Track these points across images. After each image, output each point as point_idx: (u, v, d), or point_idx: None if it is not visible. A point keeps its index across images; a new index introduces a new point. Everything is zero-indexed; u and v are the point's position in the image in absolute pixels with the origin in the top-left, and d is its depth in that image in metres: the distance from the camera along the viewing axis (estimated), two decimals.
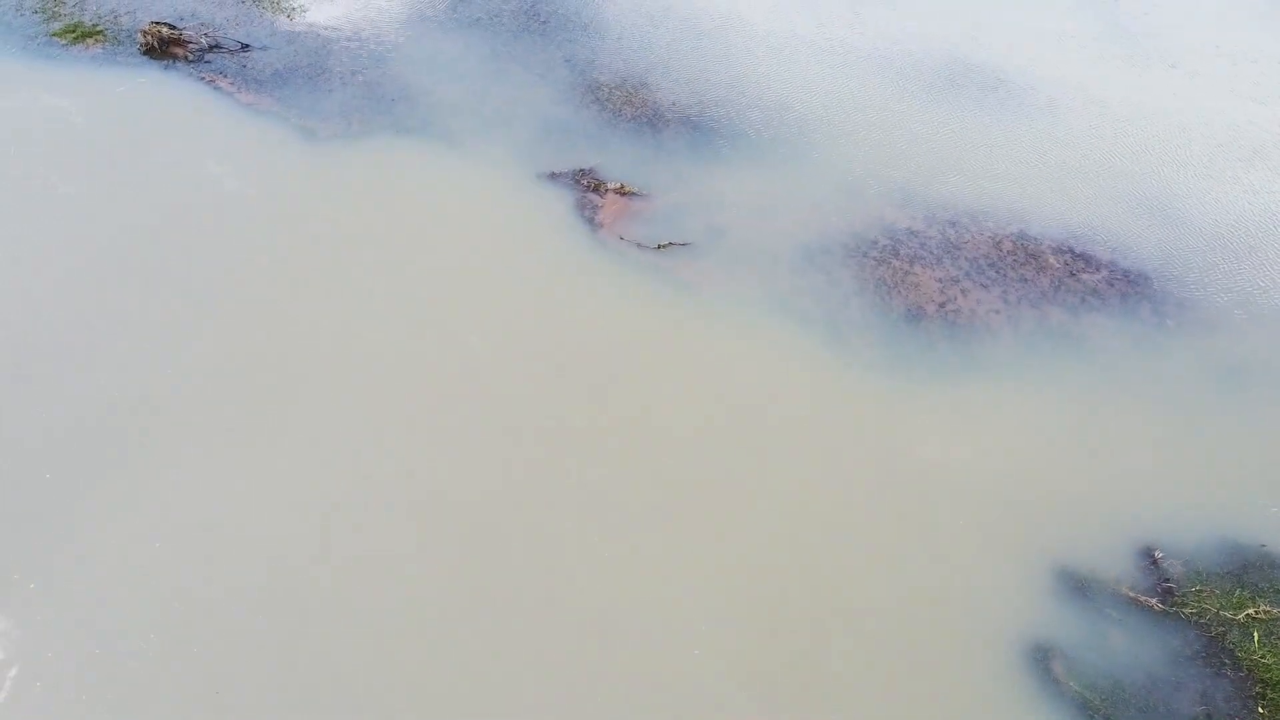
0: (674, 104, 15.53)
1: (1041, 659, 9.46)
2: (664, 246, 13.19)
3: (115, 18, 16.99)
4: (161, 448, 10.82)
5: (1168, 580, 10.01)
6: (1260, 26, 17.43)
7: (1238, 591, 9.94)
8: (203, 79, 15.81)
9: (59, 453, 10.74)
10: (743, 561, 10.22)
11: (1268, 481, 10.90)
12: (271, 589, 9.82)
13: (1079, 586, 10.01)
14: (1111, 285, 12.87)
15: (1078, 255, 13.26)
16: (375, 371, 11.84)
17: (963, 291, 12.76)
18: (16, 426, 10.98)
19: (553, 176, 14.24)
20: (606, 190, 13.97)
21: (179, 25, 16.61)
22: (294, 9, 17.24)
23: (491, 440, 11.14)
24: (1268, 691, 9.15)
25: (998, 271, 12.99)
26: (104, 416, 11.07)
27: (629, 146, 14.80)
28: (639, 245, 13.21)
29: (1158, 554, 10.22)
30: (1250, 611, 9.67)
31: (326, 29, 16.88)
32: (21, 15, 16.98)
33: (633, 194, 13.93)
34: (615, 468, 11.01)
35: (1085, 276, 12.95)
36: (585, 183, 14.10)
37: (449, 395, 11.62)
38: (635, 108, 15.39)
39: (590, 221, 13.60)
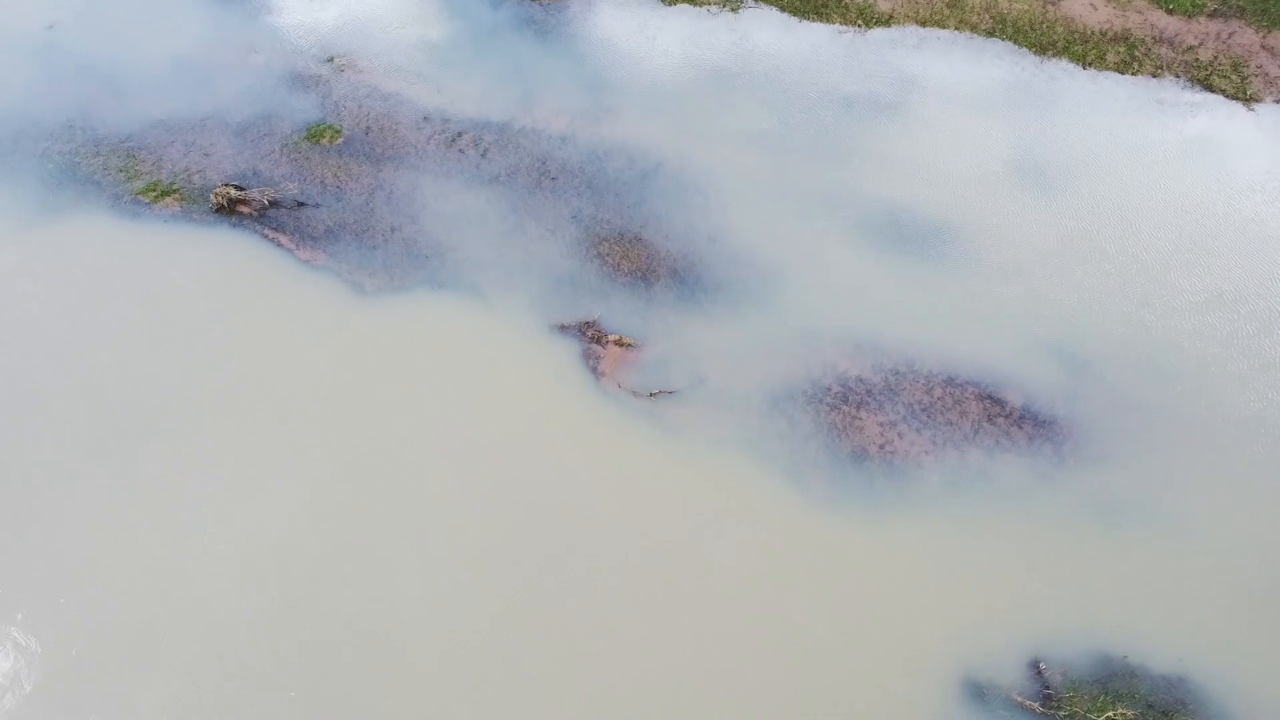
0: (664, 257, 18.43)
1: None
2: (655, 395, 16.05)
3: (188, 176, 19.96)
4: None
5: (1048, 687, 12.76)
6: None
7: (1102, 697, 12.68)
8: (266, 236, 18.75)
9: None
10: (694, 665, 13.06)
11: (1133, 601, 13.66)
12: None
13: (978, 693, 12.75)
14: (1020, 428, 15.69)
15: (995, 400, 16.09)
16: (396, 495, 14.80)
17: (899, 435, 15.59)
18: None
19: (562, 329, 17.14)
20: (607, 342, 16.85)
21: (244, 185, 19.56)
22: (339, 167, 20.19)
23: (494, 553, 14.09)
24: None
25: (929, 416, 15.82)
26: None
27: (626, 298, 17.69)
28: (634, 394, 16.07)
29: (1042, 665, 12.98)
30: (1109, 714, 12.40)
31: (367, 185, 19.83)
32: (108, 174, 19.95)
33: (629, 345, 16.81)
34: (603, 577, 14.15)
35: (1000, 421, 15.78)
36: (589, 334, 16.98)
37: (462, 514, 14.58)
38: (631, 262, 18.30)
39: (594, 370, 16.48)
